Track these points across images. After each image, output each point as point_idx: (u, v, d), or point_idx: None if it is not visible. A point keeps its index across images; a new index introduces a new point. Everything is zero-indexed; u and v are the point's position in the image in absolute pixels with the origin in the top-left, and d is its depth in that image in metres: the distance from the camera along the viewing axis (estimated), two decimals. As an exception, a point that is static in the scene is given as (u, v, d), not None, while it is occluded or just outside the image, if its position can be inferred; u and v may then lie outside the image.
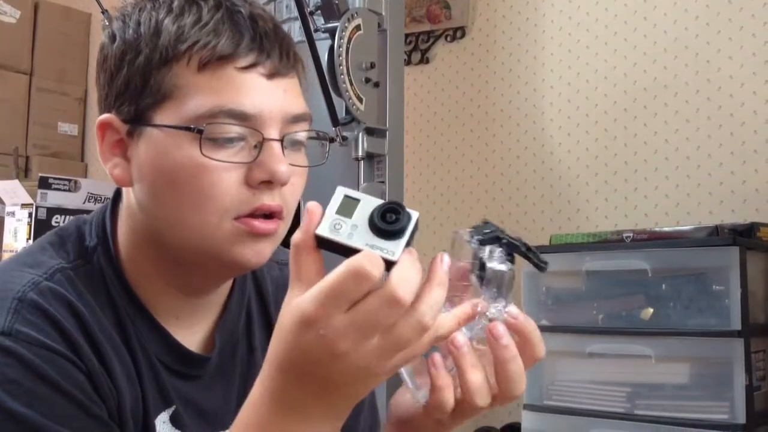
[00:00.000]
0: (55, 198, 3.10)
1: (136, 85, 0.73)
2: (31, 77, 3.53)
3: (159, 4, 0.75)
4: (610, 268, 1.92)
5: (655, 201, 2.29)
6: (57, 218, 3.10)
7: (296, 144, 0.76)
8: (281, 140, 0.73)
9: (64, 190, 3.13)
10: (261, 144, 0.72)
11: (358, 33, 1.93)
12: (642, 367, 1.81)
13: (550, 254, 2.04)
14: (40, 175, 3.13)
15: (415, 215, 0.59)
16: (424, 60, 2.78)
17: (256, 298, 0.89)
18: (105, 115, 0.76)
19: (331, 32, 1.89)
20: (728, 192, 2.17)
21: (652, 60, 2.33)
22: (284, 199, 0.74)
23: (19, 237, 3.08)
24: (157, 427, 0.77)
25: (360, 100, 1.92)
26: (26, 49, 3.53)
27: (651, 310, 1.86)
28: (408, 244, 0.59)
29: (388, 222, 0.59)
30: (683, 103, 2.27)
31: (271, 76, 0.74)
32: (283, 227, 0.76)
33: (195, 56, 0.72)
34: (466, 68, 2.71)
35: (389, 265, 0.58)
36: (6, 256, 3.10)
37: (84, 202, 3.19)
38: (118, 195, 0.82)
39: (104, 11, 2.28)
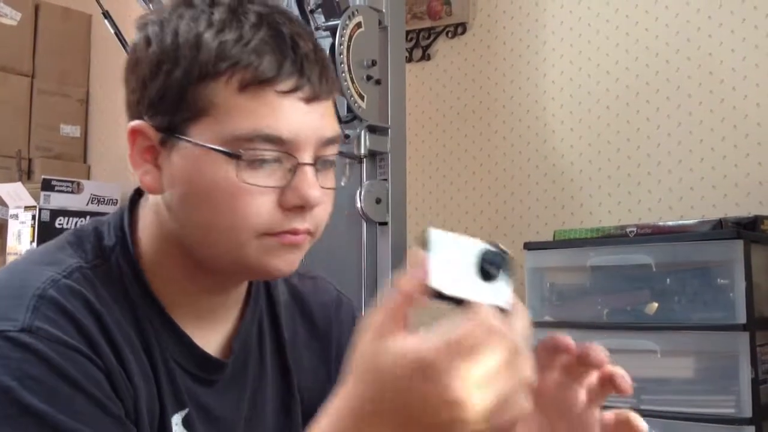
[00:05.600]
0: (58, 200, 3.10)
1: (172, 98, 0.73)
2: (32, 79, 3.53)
3: (198, 14, 0.74)
4: (615, 263, 1.91)
5: (658, 195, 2.29)
6: (60, 220, 3.10)
7: (326, 164, 0.77)
8: (314, 164, 0.74)
9: (67, 192, 3.14)
10: (295, 168, 0.73)
11: (359, 30, 1.93)
12: (647, 362, 1.81)
13: (553, 250, 2.04)
14: (43, 177, 3.14)
15: (510, 254, 0.60)
16: (426, 57, 2.77)
17: (267, 309, 0.90)
18: (138, 122, 0.75)
19: (332, 30, 1.89)
20: (732, 185, 2.17)
21: (654, 54, 2.32)
22: (314, 218, 0.75)
23: (22, 240, 3.08)
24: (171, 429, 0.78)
25: (362, 97, 1.91)
26: (27, 51, 3.53)
27: (656, 305, 1.85)
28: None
29: (493, 265, 0.59)
30: (686, 97, 2.26)
31: (309, 100, 0.74)
32: (310, 240, 0.77)
33: (236, 76, 0.71)
34: (467, 64, 2.70)
35: (501, 311, 0.59)
36: (10, 258, 3.10)
37: (87, 204, 3.20)
38: (136, 196, 0.83)
39: (105, 12, 2.28)
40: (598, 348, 0.68)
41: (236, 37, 0.72)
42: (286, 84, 0.72)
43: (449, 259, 0.58)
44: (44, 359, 0.67)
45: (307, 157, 0.73)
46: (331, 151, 0.77)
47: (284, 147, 0.72)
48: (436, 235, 0.59)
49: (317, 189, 0.74)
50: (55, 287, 0.71)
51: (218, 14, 0.73)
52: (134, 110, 0.76)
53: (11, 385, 0.65)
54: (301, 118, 0.73)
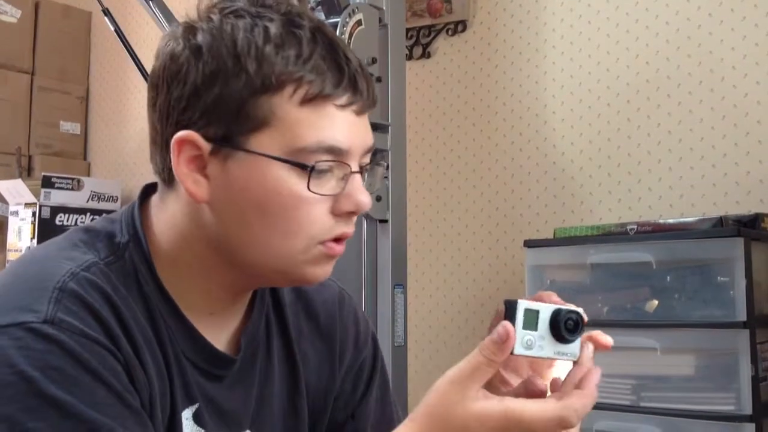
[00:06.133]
0: (58, 197, 3.11)
1: (228, 108, 0.74)
2: (32, 76, 3.54)
3: (251, 25, 0.75)
4: (615, 261, 1.91)
5: (659, 193, 2.29)
6: (60, 217, 3.11)
7: (365, 171, 0.81)
8: (361, 172, 0.78)
9: (68, 189, 3.14)
10: (347, 176, 0.77)
11: (359, 28, 1.93)
12: (647, 360, 1.81)
13: (554, 248, 2.04)
14: (43, 174, 3.15)
15: (582, 313, 0.71)
16: (426, 54, 2.77)
17: (273, 305, 0.91)
18: (185, 132, 0.75)
19: (332, 28, 1.89)
20: (732, 183, 2.17)
21: (655, 51, 2.32)
22: (353, 222, 0.80)
23: (23, 236, 3.09)
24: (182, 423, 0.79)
25: (362, 95, 1.91)
26: (27, 49, 3.53)
27: (656, 303, 1.85)
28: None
29: (568, 330, 0.70)
30: (686, 95, 2.26)
31: (360, 112, 0.78)
32: None
33: (299, 91, 0.74)
34: (467, 62, 2.70)
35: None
36: (12, 255, 3.10)
37: (87, 201, 3.20)
38: (145, 194, 0.84)
39: (105, 9, 2.28)
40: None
41: (297, 53, 0.74)
42: (343, 98, 0.76)
43: (532, 325, 0.69)
44: (67, 350, 0.68)
45: (355, 165, 0.78)
46: (368, 159, 0.81)
47: (341, 157, 0.76)
48: (522, 305, 0.69)
49: (367, 195, 0.78)
50: (75, 280, 0.72)
51: (273, 27, 0.75)
52: (174, 119, 0.76)
53: (34, 375, 0.67)
54: (352, 129, 0.77)
